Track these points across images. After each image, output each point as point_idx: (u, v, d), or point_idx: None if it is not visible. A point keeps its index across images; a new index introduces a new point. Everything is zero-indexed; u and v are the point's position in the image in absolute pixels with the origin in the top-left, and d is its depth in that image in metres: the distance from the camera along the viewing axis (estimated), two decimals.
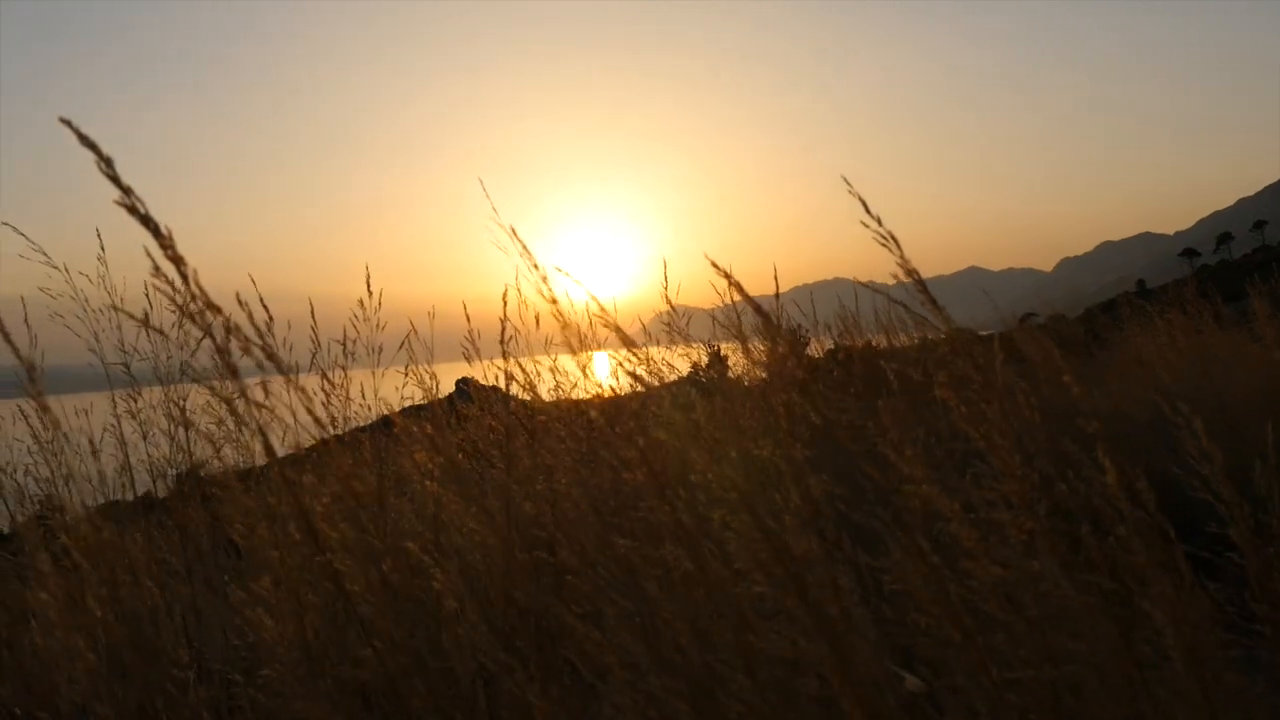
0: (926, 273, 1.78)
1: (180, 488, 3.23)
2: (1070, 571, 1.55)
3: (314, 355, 3.14)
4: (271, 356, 1.34)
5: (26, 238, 2.98)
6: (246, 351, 1.30)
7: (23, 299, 3.12)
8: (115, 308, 1.68)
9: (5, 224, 2.97)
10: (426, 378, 3.75)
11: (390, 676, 1.37)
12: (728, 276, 1.79)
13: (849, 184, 1.79)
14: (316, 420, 1.42)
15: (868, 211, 1.75)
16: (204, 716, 1.62)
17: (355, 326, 3.41)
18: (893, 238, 1.72)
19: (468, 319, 3.36)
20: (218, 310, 1.28)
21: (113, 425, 3.15)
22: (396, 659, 1.39)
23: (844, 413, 1.99)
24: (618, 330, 1.51)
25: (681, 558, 1.48)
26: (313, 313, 3.33)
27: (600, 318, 1.53)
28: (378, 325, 3.41)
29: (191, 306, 1.25)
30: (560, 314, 1.53)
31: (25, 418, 3.13)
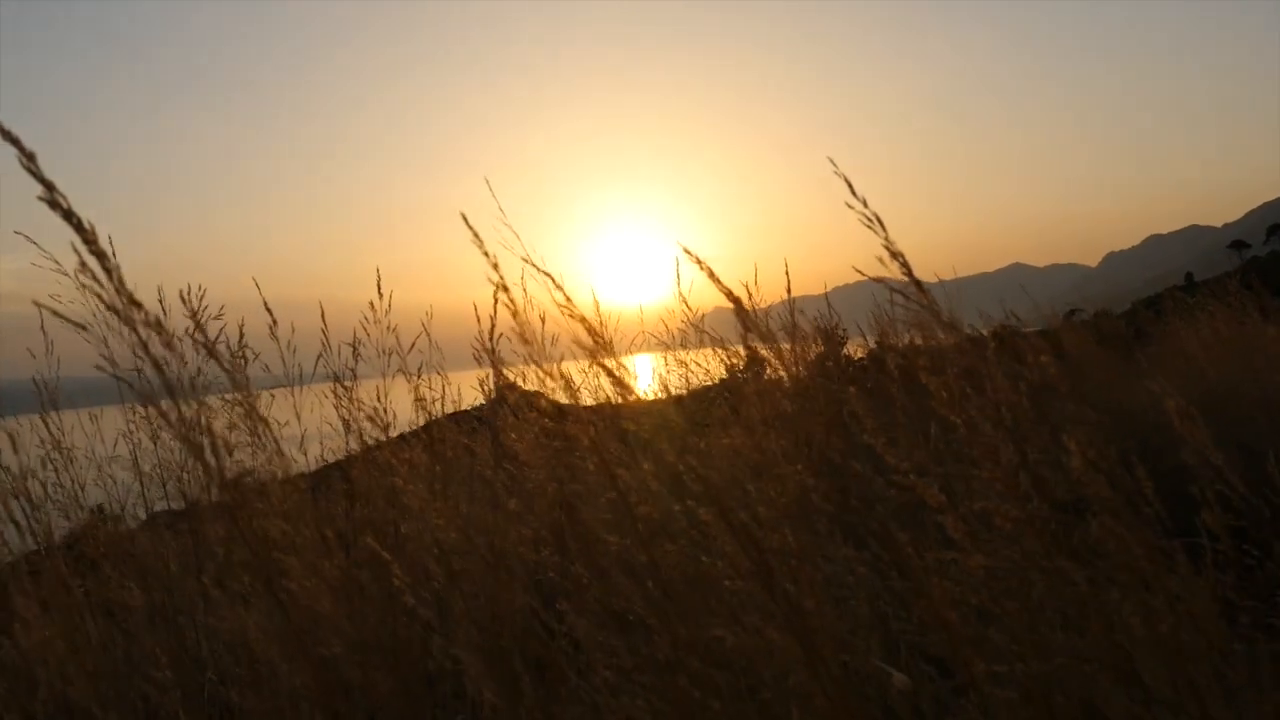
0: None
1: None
2: (1054, 559, 1.48)
3: (319, 357, 3.14)
4: (213, 354, 1.33)
5: (38, 245, 3.01)
6: (169, 347, 1.28)
7: (38, 305, 3.16)
8: (55, 314, 1.65)
9: (18, 233, 3.01)
10: (437, 384, 3.76)
11: (349, 675, 1.35)
12: (713, 275, 1.75)
13: (834, 164, 1.74)
14: (264, 419, 1.40)
15: (853, 193, 1.70)
16: (180, 715, 1.61)
17: (365, 329, 3.39)
18: (878, 219, 1.67)
19: (478, 319, 3.34)
20: (139, 305, 1.27)
21: (126, 435, 3.16)
22: (356, 656, 1.37)
23: (836, 404, 1.94)
24: (584, 323, 1.47)
25: (635, 551, 1.44)
26: (323, 315, 3.33)
27: (566, 309, 1.50)
28: (388, 328, 3.39)
29: (116, 302, 1.25)
30: (512, 302, 1.50)
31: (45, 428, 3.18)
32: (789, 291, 3.59)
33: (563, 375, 1.71)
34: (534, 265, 1.51)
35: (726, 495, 1.44)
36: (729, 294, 1.58)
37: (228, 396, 3.23)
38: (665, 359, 5.50)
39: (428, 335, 3.58)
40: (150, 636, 2.06)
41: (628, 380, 1.49)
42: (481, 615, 1.79)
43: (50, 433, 3.15)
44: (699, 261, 1.57)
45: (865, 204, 1.64)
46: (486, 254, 1.40)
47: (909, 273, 1.61)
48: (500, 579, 1.83)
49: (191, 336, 1.34)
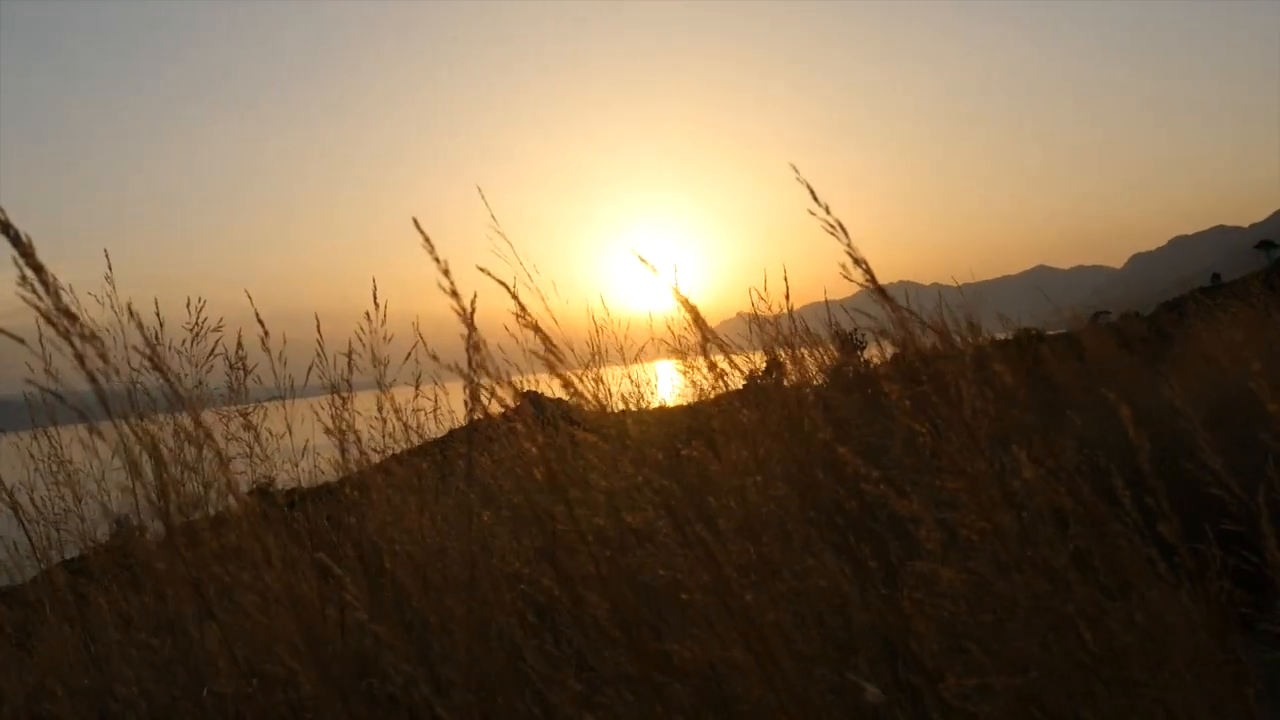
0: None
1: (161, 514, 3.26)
2: (1024, 571, 1.45)
3: (310, 368, 3.13)
4: (158, 368, 1.32)
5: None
6: (104, 359, 1.28)
7: (38, 320, 3.18)
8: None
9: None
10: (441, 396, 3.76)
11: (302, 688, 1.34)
12: (670, 285, 1.73)
13: (796, 171, 1.72)
14: (209, 434, 1.39)
15: (815, 199, 1.68)
16: None
17: (361, 340, 3.37)
18: (840, 226, 1.65)
19: (473, 330, 3.32)
20: (74, 318, 1.27)
21: (121, 450, 3.16)
22: (311, 673, 1.36)
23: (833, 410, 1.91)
24: (539, 332, 1.46)
25: (587, 563, 1.42)
26: (319, 326, 3.32)
27: (522, 319, 1.48)
28: (385, 338, 3.38)
29: (53, 315, 1.25)
30: (461, 309, 1.48)
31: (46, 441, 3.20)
32: (788, 297, 3.56)
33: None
34: (487, 272, 1.50)
35: (686, 506, 1.42)
36: (685, 303, 1.56)
37: (225, 409, 3.25)
38: (676, 365, 5.49)
39: (424, 344, 3.57)
40: (128, 652, 2.06)
41: (586, 392, 1.47)
42: (453, 629, 1.77)
43: (51, 445, 3.17)
44: (654, 269, 1.56)
45: (828, 210, 1.62)
46: (437, 260, 1.38)
47: (872, 279, 1.59)
48: (475, 592, 1.81)
49: (139, 350, 1.34)
